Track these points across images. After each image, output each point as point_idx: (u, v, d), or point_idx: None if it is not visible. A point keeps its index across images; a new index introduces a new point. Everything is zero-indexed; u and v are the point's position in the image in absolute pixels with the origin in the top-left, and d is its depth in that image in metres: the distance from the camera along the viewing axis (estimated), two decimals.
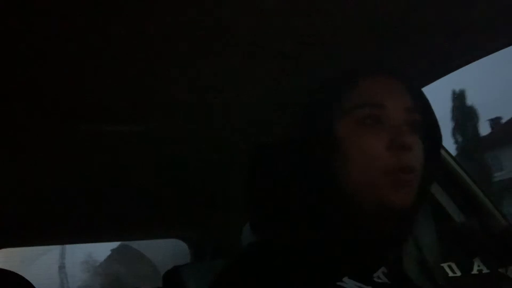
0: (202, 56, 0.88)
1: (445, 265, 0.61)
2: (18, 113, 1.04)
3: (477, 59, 0.92)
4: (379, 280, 0.57)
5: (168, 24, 0.76)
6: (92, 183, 1.56)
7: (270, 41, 0.83)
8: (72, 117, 1.09)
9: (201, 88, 1.01)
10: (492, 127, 15.97)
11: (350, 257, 0.60)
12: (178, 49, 0.85)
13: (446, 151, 1.13)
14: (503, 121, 16.06)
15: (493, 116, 16.18)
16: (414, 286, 0.59)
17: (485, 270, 0.62)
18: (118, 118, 1.13)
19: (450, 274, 0.60)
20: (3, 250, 1.93)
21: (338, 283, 0.56)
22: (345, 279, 0.57)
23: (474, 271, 0.61)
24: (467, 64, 0.94)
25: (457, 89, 14.23)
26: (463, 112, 14.14)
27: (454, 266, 0.61)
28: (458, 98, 14.35)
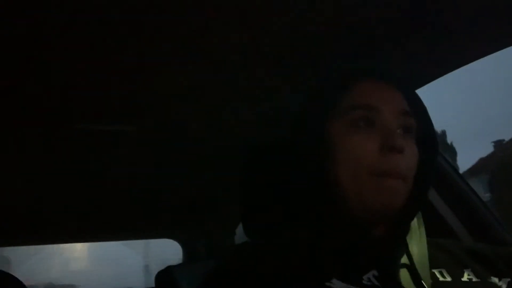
0: (195, 56, 0.88)
1: (436, 271, 0.61)
2: (14, 114, 1.04)
3: (472, 61, 0.92)
4: (369, 283, 0.57)
5: (164, 24, 0.76)
6: (84, 184, 1.55)
7: (263, 42, 0.83)
8: (66, 117, 1.09)
9: (197, 89, 1.01)
10: None
11: (339, 259, 0.60)
12: (174, 50, 0.85)
13: (441, 155, 1.13)
14: None
15: None
16: None
17: (475, 279, 0.62)
18: (111, 119, 1.13)
19: (441, 278, 0.60)
20: None
21: (327, 284, 0.56)
22: (334, 280, 0.57)
23: (465, 279, 0.61)
24: (460, 66, 0.94)
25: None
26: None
27: (444, 272, 0.62)
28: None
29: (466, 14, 0.78)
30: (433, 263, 0.62)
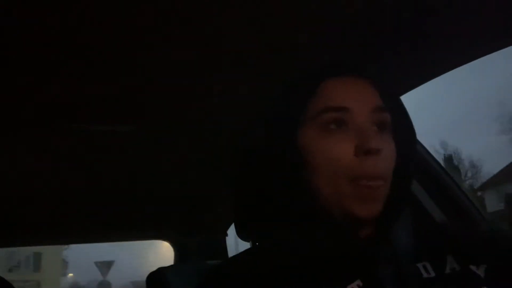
0: (196, 56, 0.88)
1: (420, 265, 0.60)
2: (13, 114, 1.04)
3: (465, 63, 0.93)
4: None
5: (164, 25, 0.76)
6: (78, 185, 1.55)
7: (262, 42, 0.83)
8: (68, 117, 1.09)
9: (197, 89, 1.01)
10: None
11: (323, 267, 0.58)
12: (174, 50, 0.85)
13: (426, 151, 1.14)
14: None
15: None
16: None
17: (457, 268, 0.61)
18: (111, 119, 1.13)
19: (425, 275, 0.60)
20: None
21: None
22: None
23: (447, 270, 0.60)
24: (456, 67, 0.94)
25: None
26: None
27: (428, 266, 0.60)
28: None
29: (461, 15, 0.79)
30: (417, 256, 0.61)
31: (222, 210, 1.85)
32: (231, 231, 2.03)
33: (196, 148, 1.37)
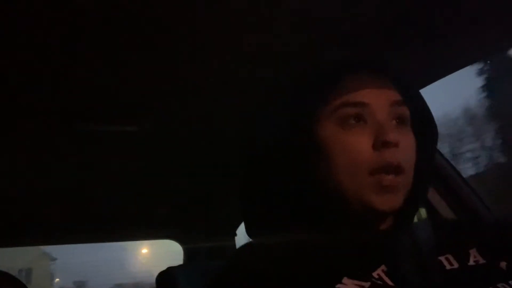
0: (196, 56, 0.87)
1: (442, 258, 0.60)
2: (14, 113, 1.04)
3: (477, 61, 0.92)
4: (379, 279, 0.56)
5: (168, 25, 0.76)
6: (86, 184, 1.55)
7: (265, 41, 0.83)
8: (68, 117, 1.09)
9: (197, 89, 1.01)
10: None
11: (346, 257, 0.59)
12: (174, 50, 0.85)
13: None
14: None
15: None
16: (413, 282, 0.57)
17: (481, 261, 0.60)
18: (111, 119, 1.13)
19: (448, 267, 0.59)
20: None
21: (337, 286, 0.55)
22: (345, 279, 0.56)
23: (471, 262, 0.60)
24: (466, 65, 0.93)
25: None
26: None
27: (451, 258, 0.60)
28: None
29: (466, 15, 0.78)
30: (439, 249, 0.61)
31: (231, 209, 1.84)
32: (240, 230, 2.03)
33: (204, 147, 1.37)
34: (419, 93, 0.68)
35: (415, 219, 0.64)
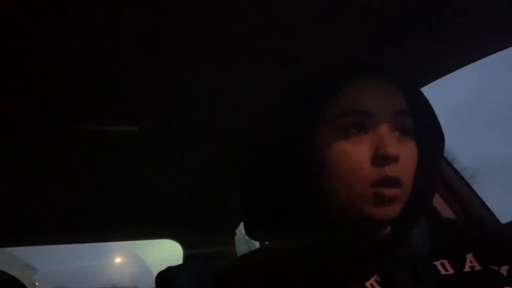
0: (196, 56, 0.87)
1: (437, 263, 0.60)
2: (15, 114, 1.04)
3: (477, 60, 0.92)
4: None
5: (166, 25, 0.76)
6: (86, 184, 1.55)
7: (264, 41, 0.83)
8: (68, 117, 1.09)
9: (197, 89, 1.01)
10: None
11: (339, 267, 0.58)
12: (174, 50, 0.85)
13: None
14: None
15: None
16: None
17: (477, 267, 0.60)
18: (112, 119, 1.13)
19: (442, 272, 0.59)
20: None
21: None
22: None
23: (466, 268, 0.59)
24: (465, 65, 0.93)
25: None
26: None
27: (446, 263, 0.60)
28: None
29: (467, 14, 0.78)
30: (435, 253, 0.60)
31: (230, 209, 1.85)
32: (240, 230, 2.03)
33: (204, 147, 1.37)
34: (427, 101, 0.65)
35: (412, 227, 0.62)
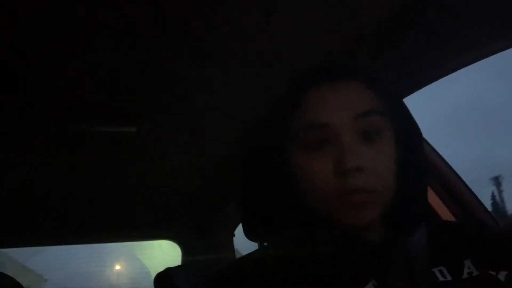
0: (196, 57, 0.88)
1: (435, 270, 0.60)
2: (15, 114, 1.04)
3: (476, 61, 0.92)
4: None
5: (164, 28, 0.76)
6: (84, 185, 1.55)
7: (263, 44, 0.83)
8: (68, 117, 1.09)
9: (197, 89, 1.01)
10: None
11: (335, 272, 0.57)
12: (174, 50, 0.85)
13: (435, 151, 1.13)
14: None
15: None
16: None
17: (475, 273, 0.59)
18: (111, 119, 1.13)
19: (441, 279, 0.58)
20: None
21: None
22: None
23: (465, 275, 0.59)
24: (466, 65, 0.93)
25: None
26: None
27: (444, 270, 0.59)
28: None
29: (463, 16, 0.78)
30: (433, 260, 0.60)
31: (229, 210, 1.85)
32: (238, 231, 2.03)
33: (203, 148, 1.37)
34: (400, 99, 0.64)
35: (409, 229, 0.61)
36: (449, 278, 0.58)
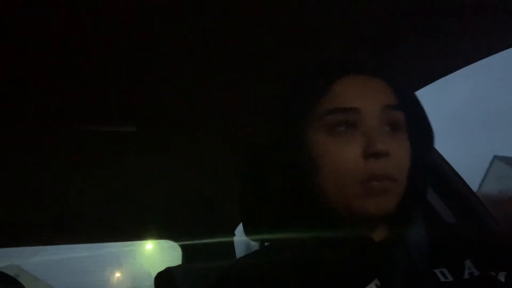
0: (196, 57, 0.88)
1: (437, 271, 0.59)
2: (15, 114, 1.05)
3: (474, 62, 0.92)
4: None
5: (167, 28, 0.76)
6: (85, 185, 1.55)
7: (263, 43, 0.83)
8: (68, 117, 1.09)
9: (197, 89, 1.01)
10: None
11: (338, 271, 0.58)
12: (174, 50, 0.85)
13: (437, 152, 1.13)
14: None
15: None
16: None
17: (476, 273, 0.59)
18: (111, 119, 1.13)
19: (442, 279, 0.58)
20: None
21: None
22: None
23: (466, 275, 0.59)
24: (466, 65, 0.93)
25: None
26: None
27: (445, 271, 0.59)
28: None
29: (463, 16, 0.78)
30: (434, 261, 0.60)
31: (229, 209, 1.85)
32: (239, 230, 2.03)
33: (204, 147, 1.37)
34: (416, 96, 0.66)
35: (411, 230, 0.62)
36: (450, 278, 0.58)
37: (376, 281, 0.57)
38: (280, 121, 0.67)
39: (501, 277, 0.60)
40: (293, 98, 0.66)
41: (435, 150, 1.12)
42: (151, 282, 1.71)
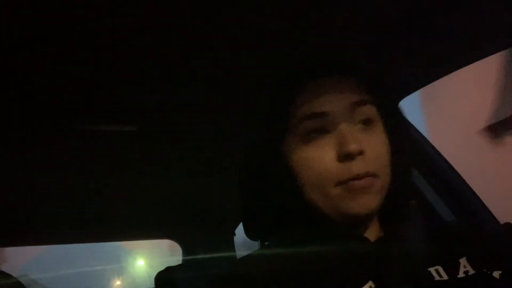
0: (196, 57, 0.88)
1: (432, 270, 0.59)
2: (16, 113, 1.05)
3: (474, 62, 0.92)
4: None
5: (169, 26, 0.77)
6: (85, 184, 1.55)
7: (262, 44, 0.83)
8: (68, 117, 1.09)
9: (197, 89, 1.01)
10: None
11: (333, 273, 0.57)
12: (174, 50, 0.85)
13: (433, 148, 1.13)
14: None
15: None
16: None
17: (471, 271, 0.59)
18: (111, 119, 1.13)
19: (437, 278, 0.58)
20: None
21: None
22: None
23: (460, 274, 0.59)
24: (466, 65, 0.93)
25: None
26: None
27: (440, 269, 0.59)
28: None
29: (464, 16, 0.78)
30: (429, 260, 0.60)
31: (229, 209, 1.85)
32: (239, 230, 2.03)
33: (204, 147, 1.37)
34: (387, 90, 0.66)
35: (406, 228, 0.62)
36: (445, 277, 0.58)
37: (370, 283, 0.57)
38: (259, 130, 0.68)
39: (496, 275, 0.60)
40: (268, 107, 0.67)
41: (430, 144, 1.12)
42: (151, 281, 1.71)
